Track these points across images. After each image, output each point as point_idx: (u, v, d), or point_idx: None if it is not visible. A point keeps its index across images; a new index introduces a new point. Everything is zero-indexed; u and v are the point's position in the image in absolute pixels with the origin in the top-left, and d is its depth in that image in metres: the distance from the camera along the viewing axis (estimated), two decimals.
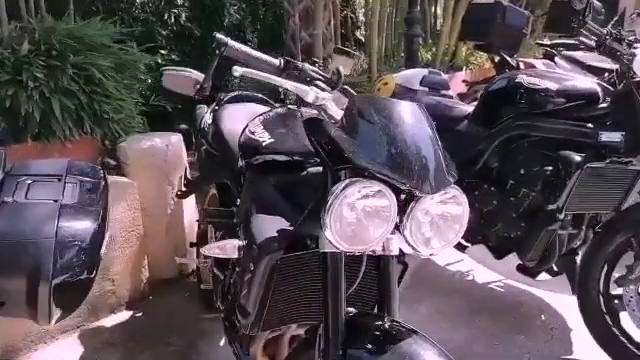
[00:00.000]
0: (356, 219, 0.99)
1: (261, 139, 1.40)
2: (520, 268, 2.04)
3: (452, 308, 2.23)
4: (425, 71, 2.69)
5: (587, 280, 1.84)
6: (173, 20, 4.71)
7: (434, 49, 5.12)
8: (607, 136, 1.78)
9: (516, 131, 1.99)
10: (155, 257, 2.47)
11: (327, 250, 1.03)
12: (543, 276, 2.09)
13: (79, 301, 1.23)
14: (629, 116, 1.74)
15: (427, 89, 2.62)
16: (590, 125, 1.81)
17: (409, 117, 1.07)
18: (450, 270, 2.53)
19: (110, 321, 2.22)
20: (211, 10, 5.11)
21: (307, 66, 1.15)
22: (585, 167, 1.77)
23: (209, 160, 1.94)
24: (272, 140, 1.38)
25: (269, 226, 1.18)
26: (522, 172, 1.98)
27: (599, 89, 1.85)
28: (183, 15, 4.81)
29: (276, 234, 1.15)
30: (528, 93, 1.96)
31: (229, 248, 1.19)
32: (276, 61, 1.14)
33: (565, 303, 2.17)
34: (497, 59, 2.88)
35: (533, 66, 2.95)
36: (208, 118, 2.00)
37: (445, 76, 2.75)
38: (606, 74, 2.06)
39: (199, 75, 1.83)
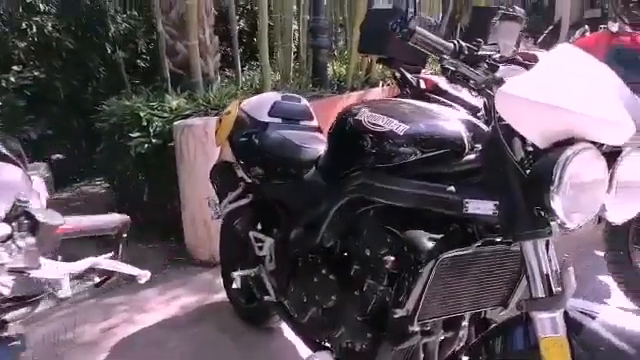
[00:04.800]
0: None
1: None
2: None
3: None
4: (277, 96, 2.04)
5: None
6: (35, 30, 3.95)
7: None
8: (475, 206, 1.13)
9: (355, 194, 1.34)
10: None
11: None
12: None
13: None
14: (500, 176, 1.11)
15: (279, 120, 1.98)
16: (452, 189, 1.17)
17: None
18: None
19: None
20: (88, 18, 4.34)
21: None
22: (441, 258, 1.14)
23: None
24: None
25: None
26: (367, 254, 1.34)
27: (465, 133, 1.22)
28: (49, 24, 4.05)
29: None
30: (369, 138, 1.32)
31: None
32: None
33: None
34: (399, 75, 2.26)
35: (436, 85, 2.34)
36: None
37: (306, 102, 2.08)
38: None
39: None
